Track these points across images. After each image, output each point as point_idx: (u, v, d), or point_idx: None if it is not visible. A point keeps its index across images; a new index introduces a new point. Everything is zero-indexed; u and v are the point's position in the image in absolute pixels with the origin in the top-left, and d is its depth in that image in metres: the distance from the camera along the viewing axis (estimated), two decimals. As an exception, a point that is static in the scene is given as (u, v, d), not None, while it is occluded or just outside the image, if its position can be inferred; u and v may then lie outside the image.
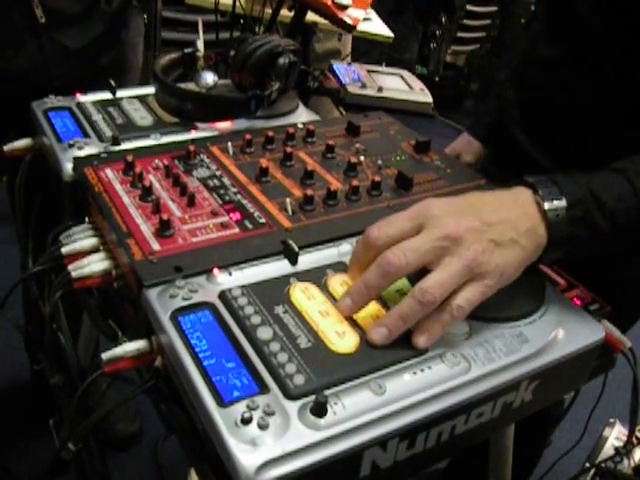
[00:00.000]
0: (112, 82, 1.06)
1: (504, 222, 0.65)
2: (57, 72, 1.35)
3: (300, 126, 1.00)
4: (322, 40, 2.35)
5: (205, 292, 0.65)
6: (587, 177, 0.70)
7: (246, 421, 0.52)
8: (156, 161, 0.87)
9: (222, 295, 0.65)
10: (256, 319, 0.62)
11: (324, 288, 0.68)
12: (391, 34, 2.35)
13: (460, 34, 4.39)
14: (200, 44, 1.10)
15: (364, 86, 1.24)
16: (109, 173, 0.84)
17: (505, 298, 0.67)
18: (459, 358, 0.61)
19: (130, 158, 0.84)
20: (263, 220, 0.78)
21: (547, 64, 1.07)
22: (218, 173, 0.87)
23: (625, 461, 1.27)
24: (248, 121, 1.02)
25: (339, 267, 0.71)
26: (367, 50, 2.97)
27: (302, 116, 1.10)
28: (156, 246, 0.71)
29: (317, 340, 0.61)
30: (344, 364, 0.59)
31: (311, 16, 1.46)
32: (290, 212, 0.80)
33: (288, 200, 0.81)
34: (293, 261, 0.71)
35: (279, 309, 0.64)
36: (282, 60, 1.02)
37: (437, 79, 4.30)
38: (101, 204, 0.78)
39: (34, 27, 1.29)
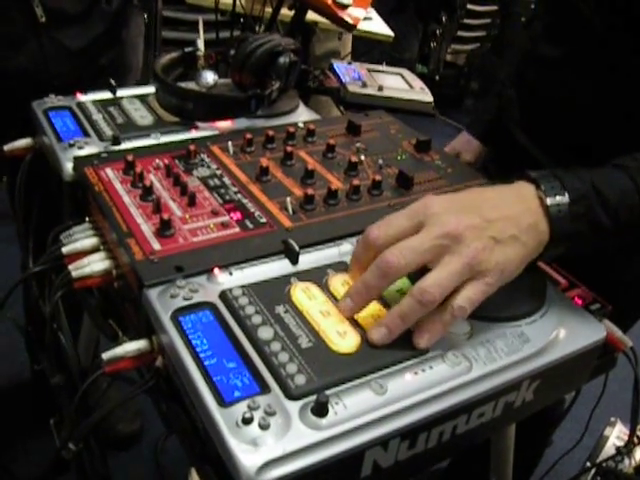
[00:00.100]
0: (112, 81, 1.06)
1: (505, 218, 0.64)
2: (57, 71, 1.35)
3: (300, 125, 1.00)
4: (323, 40, 2.35)
5: (206, 292, 0.65)
6: (590, 173, 0.69)
7: (247, 421, 0.52)
8: (156, 160, 0.87)
9: (223, 295, 0.65)
10: (257, 319, 0.62)
11: (325, 288, 0.68)
12: (391, 33, 2.35)
13: (460, 33, 4.39)
14: (200, 43, 1.10)
15: (364, 85, 1.23)
16: (109, 173, 0.84)
17: (506, 298, 0.67)
18: (460, 358, 0.61)
19: (130, 158, 0.84)
20: (264, 220, 0.78)
21: (547, 63, 1.07)
22: (218, 172, 0.86)
23: (626, 460, 1.27)
24: (248, 120, 1.02)
25: (340, 267, 0.71)
26: (367, 49, 2.97)
27: (302, 115, 1.10)
28: (157, 246, 0.71)
29: (318, 340, 0.61)
30: (345, 364, 0.59)
31: (312, 15, 1.47)
32: (291, 211, 0.80)
33: (289, 199, 0.81)
34: (294, 261, 0.71)
35: (280, 309, 0.64)
36: (282, 59, 1.02)
37: (437, 78, 4.30)
38: (101, 204, 0.78)
39: (34, 26, 1.29)
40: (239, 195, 0.82)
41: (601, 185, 0.68)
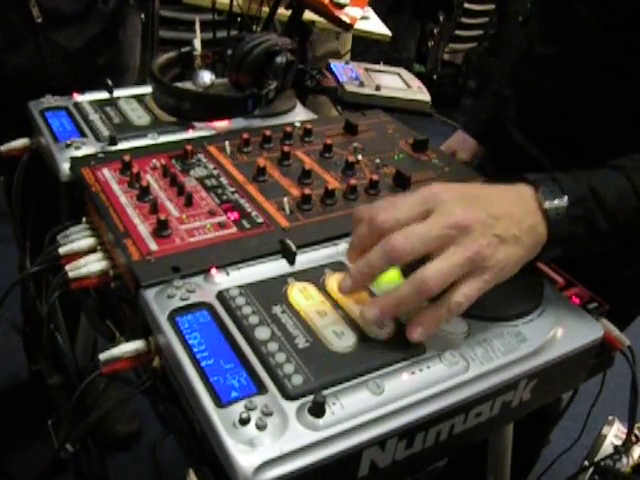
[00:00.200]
0: (109, 81, 1.06)
1: (509, 217, 0.64)
2: (54, 72, 1.35)
3: (298, 125, 1.00)
4: (323, 41, 2.35)
5: (203, 292, 0.65)
6: (587, 175, 0.69)
7: (244, 421, 0.52)
8: (153, 161, 0.87)
9: (220, 295, 0.65)
10: (254, 319, 0.62)
11: (322, 288, 0.68)
12: (389, 32, 2.35)
13: (458, 32, 4.39)
14: (197, 43, 1.10)
15: (362, 85, 1.24)
16: (106, 173, 0.84)
17: (504, 297, 0.67)
18: (457, 357, 0.61)
19: (127, 158, 0.84)
20: (261, 220, 0.78)
21: (544, 62, 1.07)
22: (215, 172, 0.86)
23: (624, 459, 1.27)
24: (245, 120, 1.02)
25: (337, 267, 0.71)
26: (365, 49, 2.97)
27: (300, 115, 1.10)
28: (153, 246, 0.71)
29: (315, 340, 0.61)
30: (342, 364, 0.59)
31: (309, 15, 1.47)
32: (288, 211, 0.80)
33: (286, 199, 0.81)
34: (291, 261, 0.71)
35: (277, 309, 0.64)
36: (279, 59, 1.02)
37: (435, 77, 4.31)
38: (98, 204, 0.78)
39: (31, 27, 1.29)
40: (236, 195, 0.82)
41: (598, 187, 0.68)
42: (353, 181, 0.84)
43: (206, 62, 1.10)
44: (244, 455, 0.50)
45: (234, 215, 0.78)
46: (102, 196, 0.79)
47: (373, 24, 2.36)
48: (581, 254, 0.69)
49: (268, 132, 0.94)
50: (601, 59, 0.96)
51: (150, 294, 0.65)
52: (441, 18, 4.14)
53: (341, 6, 1.32)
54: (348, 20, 1.33)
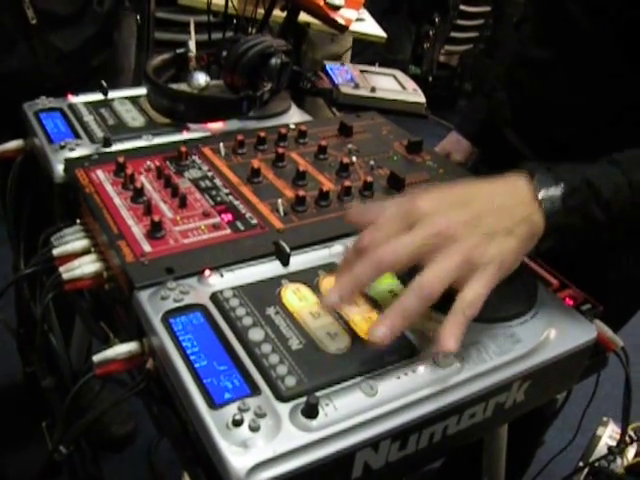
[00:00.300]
0: (104, 83, 1.06)
1: (498, 211, 0.64)
2: (49, 73, 1.35)
3: (292, 127, 1.00)
4: (323, 44, 2.36)
5: (196, 294, 0.65)
6: (583, 167, 0.69)
7: (237, 423, 0.52)
8: (148, 162, 0.87)
9: (214, 297, 0.65)
10: (248, 320, 0.62)
11: (316, 289, 0.68)
12: (384, 34, 2.36)
13: (453, 34, 4.39)
14: (192, 45, 1.10)
15: (357, 86, 1.23)
16: (100, 174, 0.84)
17: (497, 298, 0.67)
18: (451, 359, 0.61)
19: (121, 159, 0.84)
20: (255, 221, 0.78)
21: (537, 65, 1.08)
22: (210, 174, 0.86)
23: (618, 460, 1.27)
24: (240, 122, 1.02)
25: (331, 268, 0.71)
26: (360, 50, 2.97)
27: (294, 117, 1.10)
28: (147, 248, 0.71)
29: (308, 341, 0.61)
30: (335, 365, 0.59)
31: (304, 17, 1.47)
32: (282, 213, 0.80)
33: (280, 201, 0.81)
34: (285, 262, 0.71)
35: (271, 310, 0.64)
36: (274, 61, 1.02)
37: (431, 79, 4.31)
38: (92, 206, 0.78)
39: (25, 28, 1.29)
40: (230, 197, 0.82)
41: (593, 178, 0.68)
42: (347, 182, 0.84)
43: (201, 64, 1.10)
44: (237, 456, 0.50)
45: (228, 217, 0.78)
46: (96, 197, 0.79)
47: (368, 26, 2.37)
48: (577, 245, 0.69)
49: (263, 134, 0.94)
50: (594, 61, 0.96)
51: (144, 295, 0.64)
52: (437, 20, 4.14)
53: (336, 8, 1.32)
54: (343, 22, 1.33)
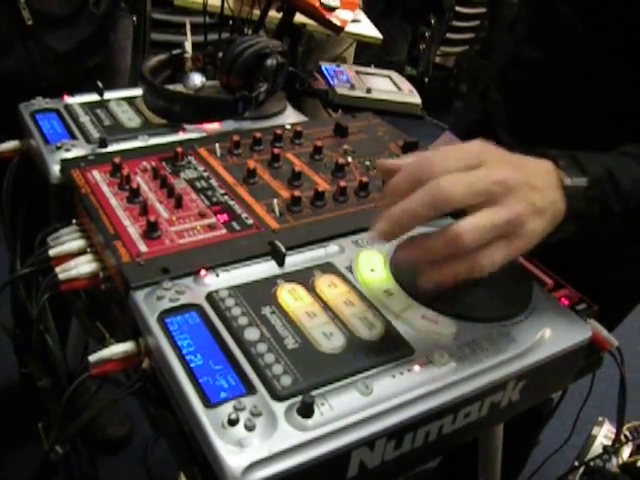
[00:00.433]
0: (100, 84, 1.06)
1: (542, 189, 0.62)
2: (45, 74, 1.34)
3: (288, 127, 1.00)
4: (326, 46, 2.36)
5: (192, 293, 0.65)
6: (602, 157, 0.69)
7: (233, 422, 0.52)
8: (144, 163, 0.87)
9: (209, 296, 0.65)
10: (243, 320, 0.62)
11: (311, 289, 0.68)
12: (380, 35, 2.36)
13: (449, 35, 4.40)
14: (188, 46, 1.10)
15: (353, 87, 1.24)
16: (96, 175, 0.84)
17: (493, 298, 0.68)
18: (446, 358, 0.61)
19: (117, 160, 0.84)
20: (250, 221, 0.78)
21: (531, 66, 1.08)
22: (206, 174, 0.87)
23: (614, 459, 1.28)
24: (236, 122, 1.02)
25: (326, 268, 0.71)
26: (356, 52, 2.97)
27: (290, 117, 1.10)
28: (143, 248, 0.71)
29: (304, 341, 0.61)
30: (331, 365, 0.59)
31: (300, 17, 1.47)
32: (278, 213, 0.80)
33: (276, 201, 0.81)
34: (280, 262, 0.71)
35: (266, 310, 0.64)
36: (270, 61, 1.02)
37: (427, 80, 4.31)
38: (88, 206, 0.78)
39: (21, 29, 1.28)
40: (226, 197, 0.82)
41: (615, 170, 0.68)
42: (343, 183, 0.84)
43: (197, 65, 1.10)
44: (233, 456, 0.50)
45: (224, 217, 0.78)
46: (92, 198, 0.79)
47: (364, 27, 2.37)
48: (589, 236, 0.69)
49: (258, 134, 0.94)
50: (586, 62, 0.97)
51: (140, 295, 0.65)
52: (432, 21, 4.14)
53: (332, 9, 1.32)
54: (338, 23, 1.33)
